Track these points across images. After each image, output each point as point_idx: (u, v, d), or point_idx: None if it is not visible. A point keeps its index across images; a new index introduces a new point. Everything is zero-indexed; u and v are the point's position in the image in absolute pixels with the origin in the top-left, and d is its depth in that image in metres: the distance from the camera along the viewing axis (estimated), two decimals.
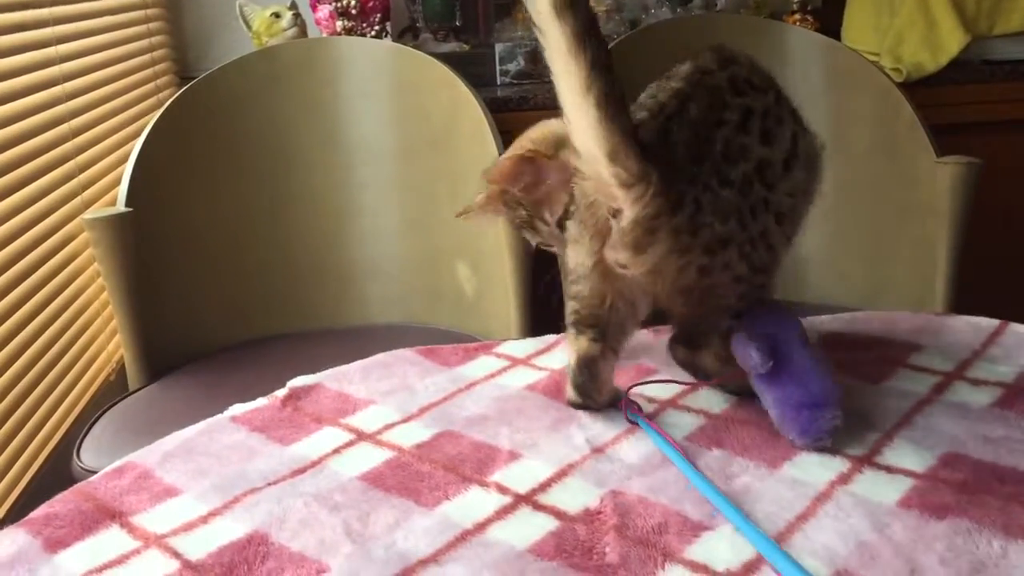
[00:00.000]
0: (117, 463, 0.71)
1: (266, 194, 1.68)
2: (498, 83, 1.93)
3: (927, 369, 0.80)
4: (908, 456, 0.67)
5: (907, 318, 0.91)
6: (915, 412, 0.73)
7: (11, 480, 1.29)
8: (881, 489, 0.63)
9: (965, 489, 0.62)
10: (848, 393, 0.73)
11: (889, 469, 0.65)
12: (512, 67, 1.94)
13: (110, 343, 1.65)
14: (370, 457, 0.70)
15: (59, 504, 0.66)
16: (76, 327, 1.52)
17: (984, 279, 1.66)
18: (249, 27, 1.91)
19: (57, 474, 1.34)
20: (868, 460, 0.66)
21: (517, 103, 1.81)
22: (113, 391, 1.60)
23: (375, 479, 0.67)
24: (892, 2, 1.93)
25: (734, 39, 1.75)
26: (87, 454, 1.30)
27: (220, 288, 1.64)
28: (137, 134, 1.61)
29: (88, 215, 1.49)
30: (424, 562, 0.57)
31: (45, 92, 1.45)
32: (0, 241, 1.30)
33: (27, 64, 1.40)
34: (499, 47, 1.94)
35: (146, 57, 1.89)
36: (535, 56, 1.96)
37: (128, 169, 1.55)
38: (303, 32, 1.90)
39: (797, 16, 2.06)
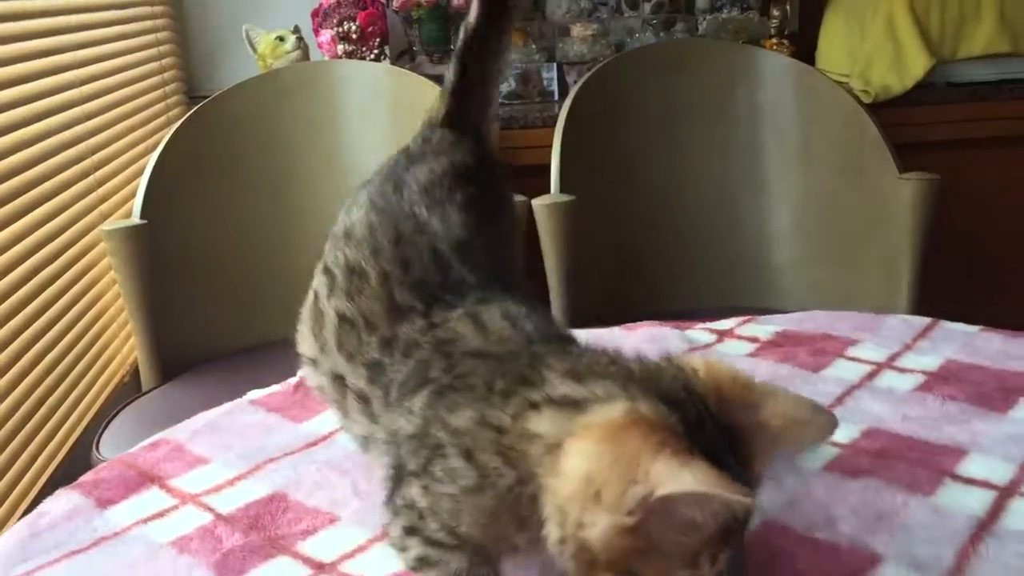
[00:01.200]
0: (151, 439, 0.82)
1: (271, 207, 1.79)
2: None
3: (861, 360, 0.91)
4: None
5: (851, 316, 1.02)
6: (846, 395, 0.84)
7: (35, 473, 1.39)
8: (809, 457, 0.73)
9: (880, 455, 0.73)
10: (790, 380, 0.84)
11: None
12: (503, 88, 2.05)
13: (124, 346, 1.76)
14: None
15: (105, 471, 0.76)
16: (93, 331, 1.63)
17: (946, 287, 1.77)
18: (255, 50, 2.02)
19: (77, 468, 1.44)
20: None
21: (507, 122, 1.92)
22: (127, 392, 1.70)
23: None
24: (862, 28, 2.05)
25: (715, 63, 1.88)
26: (106, 448, 1.40)
27: (228, 295, 1.75)
28: (150, 151, 1.72)
29: (106, 227, 1.60)
30: None
31: (66, 113, 1.56)
32: (24, 251, 1.40)
33: (50, 88, 1.51)
34: None
35: (157, 79, 2.00)
36: (526, 78, 2.07)
37: (143, 183, 1.66)
38: (306, 55, 2.01)
39: (774, 40, 2.18)
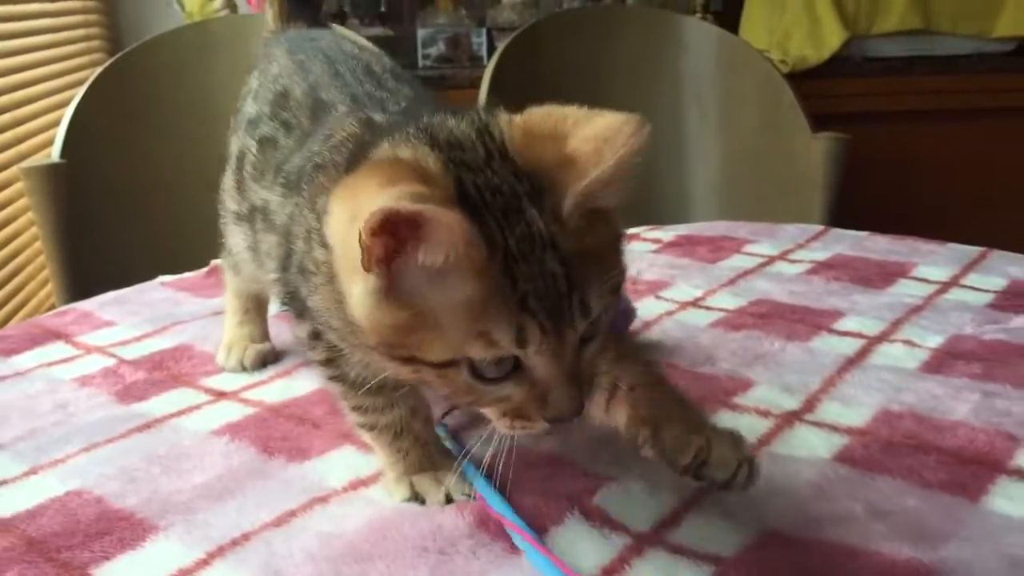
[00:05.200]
0: (59, 309, 0.83)
1: (192, 151, 1.77)
2: (420, 66, 2.07)
3: (755, 254, 0.96)
4: (725, 300, 0.82)
5: (749, 224, 1.08)
6: (739, 278, 0.88)
7: None
8: (697, 318, 0.77)
9: (763, 317, 0.78)
10: (688, 269, 0.88)
11: (708, 308, 0.80)
12: (433, 51, 2.08)
13: (42, 290, 1.74)
14: None
15: (10, 330, 0.77)
16: (9, 268, 1.61)
17: None
18: (183, 7, 2.02)
19: None
20: (694, 303, 0.81)
21: (437, 82, 1.94)
22: None
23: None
24: (782, 1, 2.12)
25: (640, 29, 1.94)
26: None
27: (147, 237, 1.74)
28: (66, 90, 1.71)
29: (24, 164, 1.58)
30: None
31: None
32: None
33: None
34: (421, 32, 2.08)
35: (81, 31, 1.98)
36: (455, 41, 2.10)
37: (63, 125, 1.64)
38: (234, 12, 2.01)
39: (699, 15, 2.24)
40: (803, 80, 1.97)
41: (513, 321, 0.40)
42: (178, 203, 1.77)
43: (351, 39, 0.70)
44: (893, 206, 2.13)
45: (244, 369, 0.70)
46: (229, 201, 0.66)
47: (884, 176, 2.06)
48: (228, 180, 0.66)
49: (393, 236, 0.38)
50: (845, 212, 1.79)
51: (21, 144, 1.67)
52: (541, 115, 0.46)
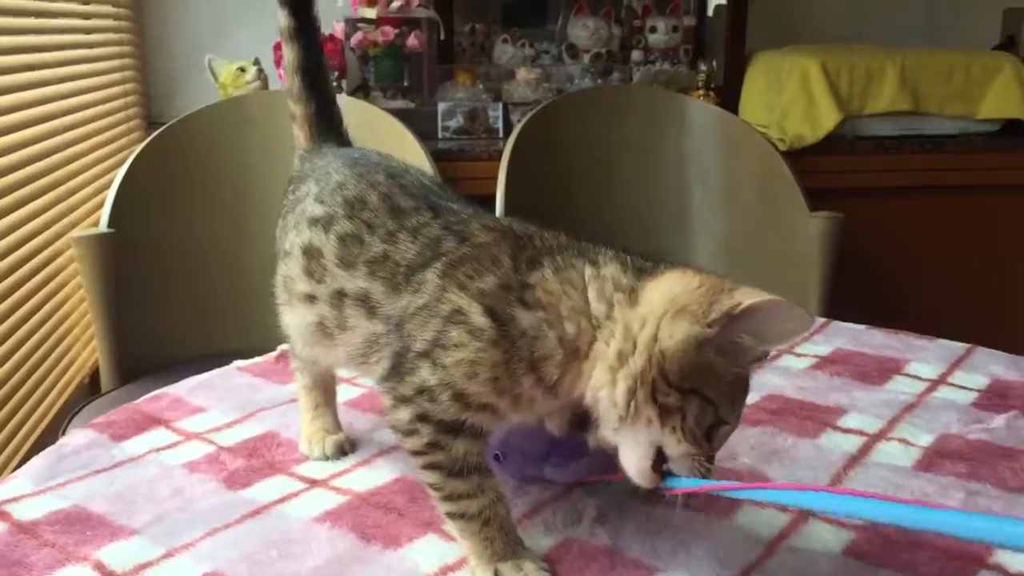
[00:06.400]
0: (150, 394, 0.93)
1: (230, 225, 1.90)
2: (439, 137, 2.20)
3: None
4: None
5: None
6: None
7: (3, 462, 1.46)
8: None
9: (776, 412, 0.88)
10: None
11: None
12: (452, 123, 2.21)
13: (85, 350, 1.84)
14: (350, 392, 0.93)
15: (114, 415, 0.87)
16: (58, 333, 1.71)
17: (847, 317, 1.95)
18: (216, 79, 2.14)
19: None
20: None
21: (457, 154, 2.07)
22: (86, 393, 1.78)
23: (353, 404, 0.91)
24: (780, 83, 2.26)
25: (646, 108, 2.07)
26: None
27: (187, 305, 1.85)
28: (113, 169, 1.82)
29: (74, 234, 1.69)
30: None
31: (38, 127, 1.65)
32: None
33: (23, 102, 1.60)
34: (441, 106, 2.20)
35: (119, 102, 2.10)
36: (473, 115, 2.23)
37: (110, 196, 1.76)
38: (265, 85, 2.13)
39: (701, 92, 2.38)
40: (800, 157, 2.09)
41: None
42: (218, 269, 1.89)
43: (386, 154, 0.82)
44: (882, 277, 2.25)
45: (327, 458, 0.80)
46: (297, 285, 0.73)
47: (875, 247, 2.19)
48: (292, 269, 0.74)
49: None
50: (839, 281, 1.91)
51: (72, 214, 1.77)
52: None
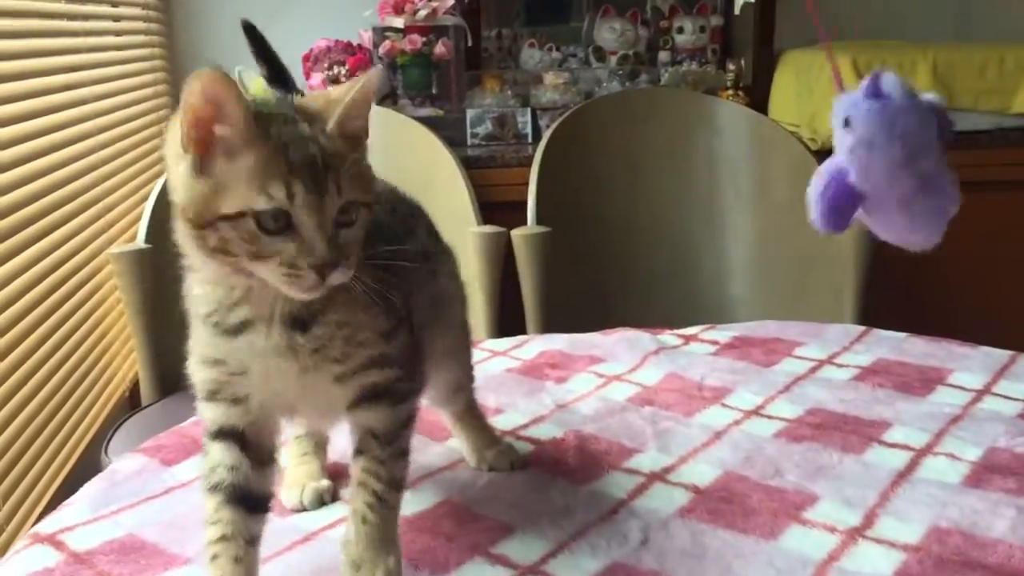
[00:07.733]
0: (196, 418, 0.94)
1: None
2: (468, 144, 2.20)
3: (806, 358, 1.06)
4: (785, 409, 0.92)
5: (798, 325, 1.18)
6: (793, 384, 0.99)
7: (45, 483, 1.48)
8: (761, 428, 0.88)
9: (820, 427, 0.88)
10: (745, 373, 0.98)
11: (769, 417, 0.91)
12: (481, 130, 2.21)
13: (125, 363, 1.86)
14: None
15: (163, 439, 0.89)
16: (99, 348, 1.73)
17: (887, 318, 1.94)
18: (246, 91, 2.15)
19: (86, 475, 1.54)
20: (757, 412, 0.92)
21: (486, 161, 2.07)
22: (126, 406, 1.80)
23: None
24: (810, 82, 2.24)
25: (675, 111, 2.06)
26: (115, 452, 1.50)
27: None
28: (147, 184, 1.84)
29: (113, 250, 1.71)
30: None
31: (75, 146, 1.67)
32: (37, 274, 1.49)
33: (61, 122, 1.63)
34: (470, 112, 2.21)
35: (153, 116, 2.13)
36: (502, 121, 2.24)
37: (147, 211, 1.78)
38: None
39: (730, 92, 2.36)
40: (828, 155, 2.07)
41: (284, 179, 0.56)
42: None
43: None
44: (921, 274, 2.23)
45: (303, 508, 0.78)
46: None
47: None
48: None
49: (203, 114, 0.58)
50: (874, 282, 1.89)
51: (111, 229, 1.80)
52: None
